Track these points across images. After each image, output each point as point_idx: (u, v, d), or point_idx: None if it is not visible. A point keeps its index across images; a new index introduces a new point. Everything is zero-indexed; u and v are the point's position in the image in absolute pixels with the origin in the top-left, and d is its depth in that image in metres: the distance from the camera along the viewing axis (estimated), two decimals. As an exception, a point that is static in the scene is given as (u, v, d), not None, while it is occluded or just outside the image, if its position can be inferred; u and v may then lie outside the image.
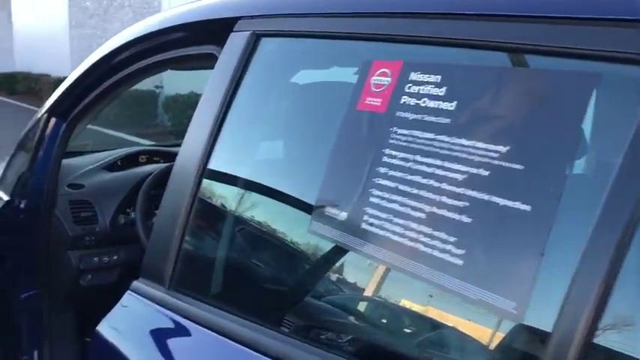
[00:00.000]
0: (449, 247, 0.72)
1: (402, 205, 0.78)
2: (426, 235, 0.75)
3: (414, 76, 0.82)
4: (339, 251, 0.86)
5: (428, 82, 0.80)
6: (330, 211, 0.83)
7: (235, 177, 1.06)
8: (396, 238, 0.78)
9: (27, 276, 1.91)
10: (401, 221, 0.78)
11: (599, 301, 0.58)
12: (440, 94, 0.78)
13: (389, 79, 0.84)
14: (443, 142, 0.76)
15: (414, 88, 0.81)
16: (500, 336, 0.70)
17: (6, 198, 1.98)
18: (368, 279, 0.84)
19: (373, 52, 0.92)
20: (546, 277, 0.65)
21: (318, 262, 0.93)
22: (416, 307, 0.80)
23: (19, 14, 21.23)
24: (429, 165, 0.77)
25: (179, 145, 2.60)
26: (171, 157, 2.31)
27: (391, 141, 0.82)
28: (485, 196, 0.71)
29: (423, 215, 0.76)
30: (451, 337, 0.76)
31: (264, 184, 1.03)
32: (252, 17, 1.08)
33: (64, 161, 1.91)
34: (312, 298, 0.94)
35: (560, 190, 0.64)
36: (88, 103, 1.72)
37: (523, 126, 0.71)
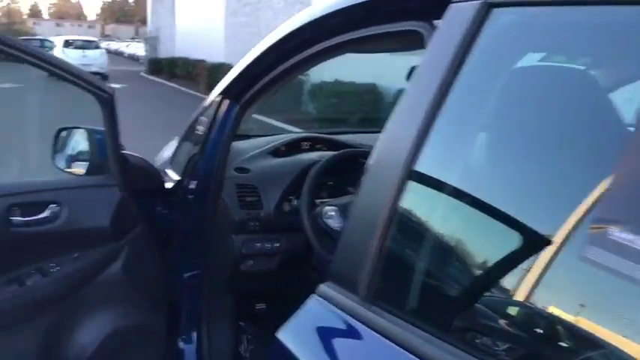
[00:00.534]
0: None
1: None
2: None
3: None
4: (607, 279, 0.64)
5: None
6: (620, 235, 0.61)
7: (451, 179, 0.86)
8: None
9: (191, 256, 1.92)
10: None
11: None
12: None
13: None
14: None
15: None
16: None
17: (176, 178, 2.00)
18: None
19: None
20: None
21: (553, 284, 0.73)
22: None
23: (181, 3, 22.93)
24: None
25: (342, 133, 2.55)
26: (334, 145, 2.22)
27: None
28: None
29: None
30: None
31: (488, 190, 0.83)
32: None
33: (231, 144, 1.88)
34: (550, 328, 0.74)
35: None
36: (261, 87, 1.66)
37: None
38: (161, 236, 1.86)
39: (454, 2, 0.91)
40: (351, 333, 0.91)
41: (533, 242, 0.75)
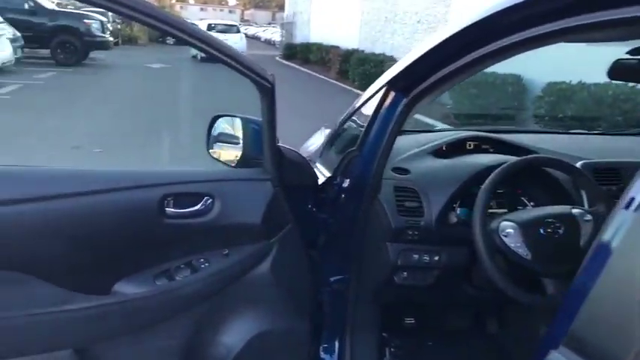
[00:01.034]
0: None
1: None
2: None
3: None
4: None
5: None
6: None
7: None
8: None
9: (339, 259, 1.77)
10: None
11: None
12: None
13: None
14: None
15: None
16: None
17: (326, 173, 1.85)
18: None
19: None
20: None
21: None
22: None
23: (318, -11, 23.13)
24: None
25: (509, 132, 2.26)
26: (503, 146, 1.94)
27: None
28: None
29: None
30: None
31: None
32: None
33: None
34: None
35: None
36: (436, 80, 1.44)
37: None
38: (308, 236, 1.73)
39: None
40: None
41: None
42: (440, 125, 6.48)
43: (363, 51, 15.59)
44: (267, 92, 1.42)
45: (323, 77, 16.76)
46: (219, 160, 1.62)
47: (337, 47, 17.78)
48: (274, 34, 37.11)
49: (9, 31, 11.43)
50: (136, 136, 6.88)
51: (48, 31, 13.92)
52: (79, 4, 17.23)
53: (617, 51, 1.32)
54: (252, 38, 44.03)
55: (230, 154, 1.61)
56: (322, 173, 1.88)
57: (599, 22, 0.97)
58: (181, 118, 7.72)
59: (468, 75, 1.46)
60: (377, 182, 1.64)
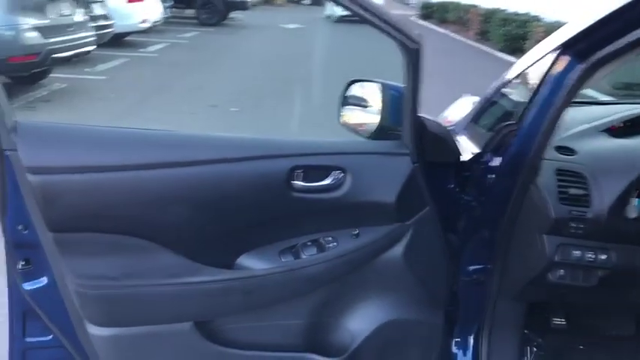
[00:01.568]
0: None
1: None
2: None
3: None
4: None
5: None
6: None
7: None
8: None
9: (481, 247, 1.57)
10: None
11: None
12: None
13: None
14: None
15: None
16: None
17: (473, 149, 1.63)
18: None
19: None
20: None
21: None
22: None
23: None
24: None
25: None
26: None
27: None
28: None
29: None
30: None
31: None
32: None
33: None
34: None
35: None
36: (626, 44, 1.16)
37: None
38: (447, 218, 1.53)
39: None
40: None
41: None
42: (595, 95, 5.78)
43: (504, 10, 14.47)
44: (413, 55, 1.23)
45: (460, 38, 15.90)
46: (353, 130, 1.47)
47: (476, 6, 16.69)
48: (410, -8, 35.93)
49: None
50: (270, 97, 6.97)
51: (193, -8, 14.81)
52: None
53: None
54: (387, -3, 43.10)
55: (365, 123, 1.46)
56: (466, 149, 1.66)
57: None
58: (314, 81, 7.68)
59: None
60: (536, 163, 1.40)
